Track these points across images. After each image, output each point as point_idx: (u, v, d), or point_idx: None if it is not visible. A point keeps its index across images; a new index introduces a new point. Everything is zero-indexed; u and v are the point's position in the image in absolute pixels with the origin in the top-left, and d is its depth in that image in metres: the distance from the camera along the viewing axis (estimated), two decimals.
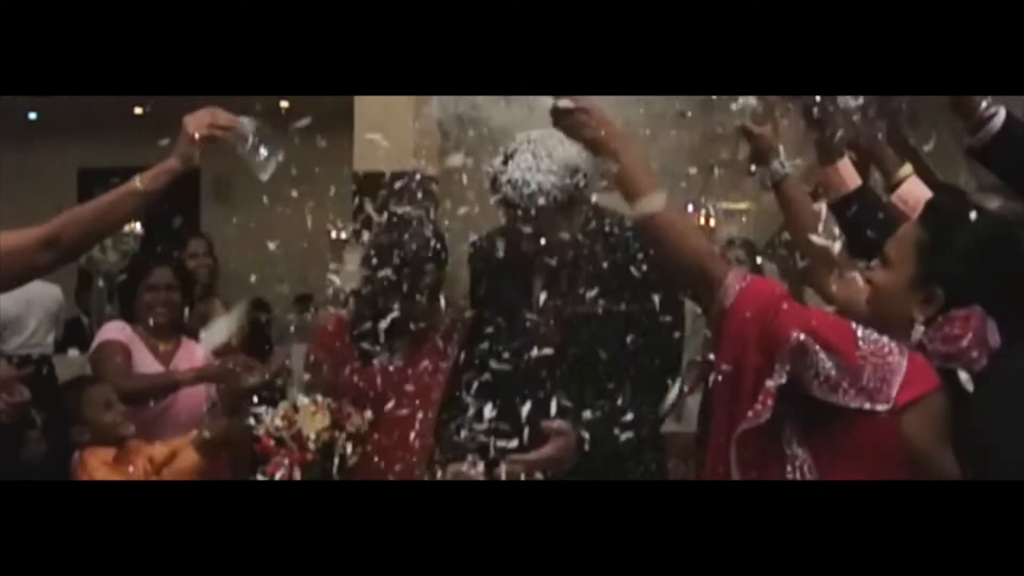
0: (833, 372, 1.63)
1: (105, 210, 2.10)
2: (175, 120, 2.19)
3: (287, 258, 2.93)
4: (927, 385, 1.65)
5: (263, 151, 2.17)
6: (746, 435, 1.69)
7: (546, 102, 1.90)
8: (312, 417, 2.40)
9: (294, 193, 2.86)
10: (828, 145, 2.12)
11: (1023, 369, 1.67)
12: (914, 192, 2.19)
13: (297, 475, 2.35)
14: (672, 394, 2.35)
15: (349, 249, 2.64)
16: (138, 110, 8.24)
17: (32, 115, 9.28)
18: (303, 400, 2.44)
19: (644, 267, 2.28)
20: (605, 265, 2.30)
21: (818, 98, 2.05)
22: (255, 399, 2.55)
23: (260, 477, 2.38)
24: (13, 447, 3.04)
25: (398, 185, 2.50)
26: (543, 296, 2.35)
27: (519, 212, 2.24)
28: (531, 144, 2.23)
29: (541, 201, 2.20)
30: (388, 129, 3.23)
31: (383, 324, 2.44)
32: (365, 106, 4.20)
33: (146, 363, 3.25)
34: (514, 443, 2.20)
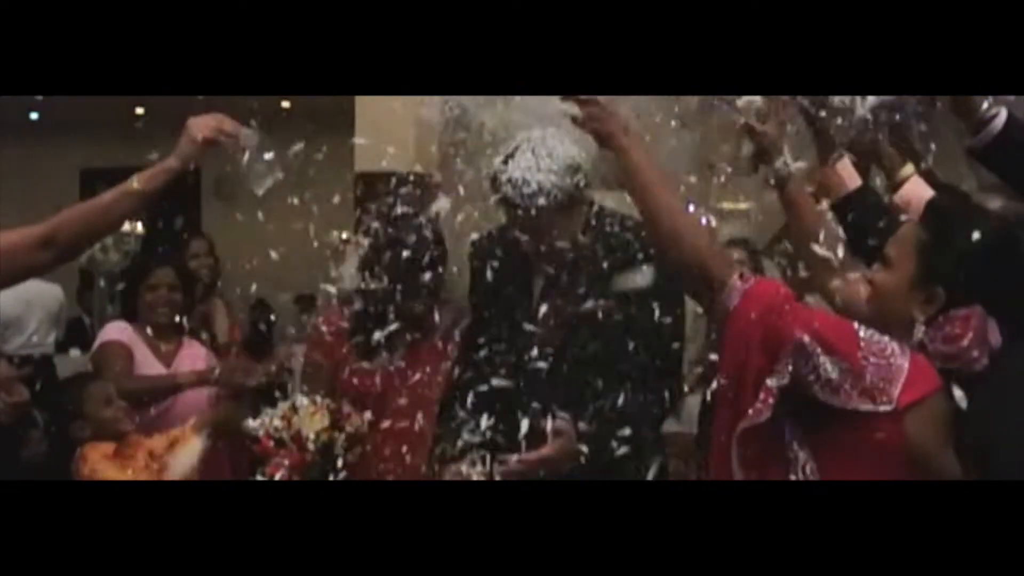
0: (835, 375, 1.63)
1: (102, 209, 2.10)
2: (176, 121, 2.19)
3: (288, 258, 2.93)
4: (929, 386, 1.65)
5: (262, 165, 2.17)
6: (748, 435, 1.69)
7: (545, 102, 1.90)
8: (311, 418, 2.40)
9: (295, 195, 2.87)
10: (828, 145, 2.12)
11: (1023, 369, 1.68)
12: (916, 192, 2.19)
13: (296, 476, 2.35)
14: (673, 394, 2.36)
15: (350, 250, 2.64)
16: (140, 110, 8.25)
17: (34, 115, 9.30)
18: (302, 401, 2.44)
19: (645, 267, 2.28)
20: (606, 265, 2.30)
21: (819, 98, 2.06)
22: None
23: (260, 478, 2.38)
24: (14, 447, 3.04)
25: (398, 186, 2.50)
26: (543, 296, 2.34)
27: (519, 212, 2.24)
28: (531, 143, 2.23)
29: (541, 201, 2.20)
30: (389, 130, 3.23)
31: (382, 324, 2.44)
32: (366, 106, 4.20)
33: (148, 363, 3.26)
34: (514, 443, 2.20)
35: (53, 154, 9.48)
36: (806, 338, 1.63)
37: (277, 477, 2.35)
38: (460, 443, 2.28)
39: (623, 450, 2.22)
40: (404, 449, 2.48)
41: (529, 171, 2.20)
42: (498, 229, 2.45)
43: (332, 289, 2.62)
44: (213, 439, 2.75)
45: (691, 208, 1.92)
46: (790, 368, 1.65)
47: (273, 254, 2.79)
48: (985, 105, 1.92)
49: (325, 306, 2.75)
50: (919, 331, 1.71)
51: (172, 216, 4.36)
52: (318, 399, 2.45)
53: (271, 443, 2.38)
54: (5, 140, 8.81)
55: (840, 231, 2.03)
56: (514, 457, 2.19)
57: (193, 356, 3.36)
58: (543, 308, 2.32)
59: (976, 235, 1.72)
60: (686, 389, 2.65)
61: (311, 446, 2.38)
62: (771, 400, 1.66)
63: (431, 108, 2.54)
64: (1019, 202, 2.02)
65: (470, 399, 2.33)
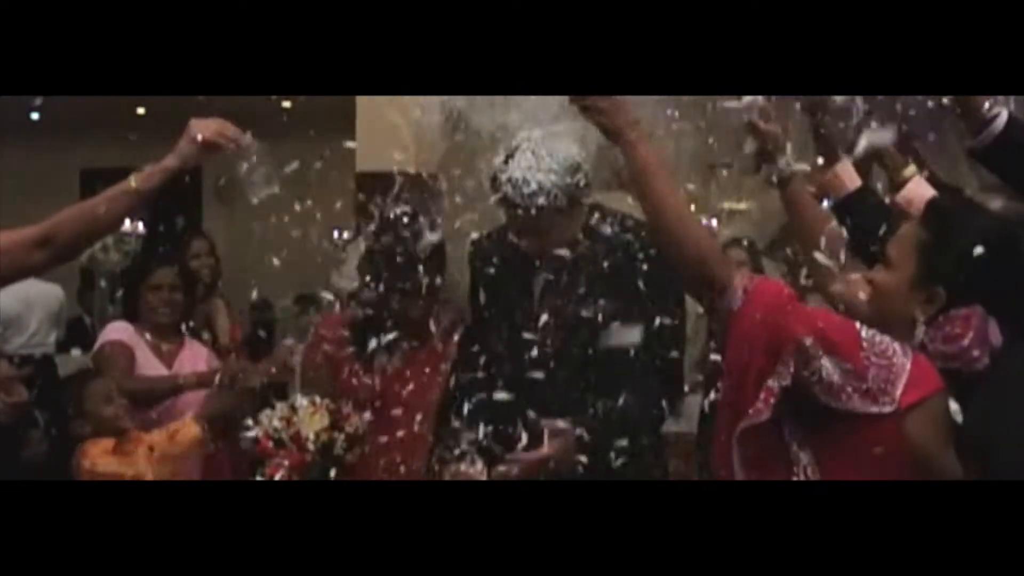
0: (836, 377, 1.62)
1: (100, 209, 2.10)
2: (177, 121, 2.19)
3: (288, 258, 2.93)
4: (931, 387, 1.65)
5: (260, 175, 2.17)
6: (749, 435, 1.69)
7: (545, 102, 1.89)
8: (311, 418, 2.40)
9: (295, 195, 2.87)
10: (829, 147, 2.12)
11: None
12: (918, 192, 2.19)
13: (296, 476, 2.35)
14: (673, 395, 2.35)
15: (350, 250, 2.64)
16: (141, 110, 8.25)
17: (34, 115, 9.29)
18: (302, 401, 2.44)
19: (646, 267, 2.28)
20: (606, 265, 2.30)
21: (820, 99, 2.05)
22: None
23: (259, 478, 2.38)
24: (15, 447, 3.04)
25: (399, 186, 2.50)
26: (543, 296, 2.34)
27: (519, 212, 2.24)
28: (532, 143, 2.22)
29: (542, 200, 2.20)
30: (389, 130, 3.23)
31: (381, 326, 2.44)
32: (367, 106, 4.20)
33: (149, 363, 3.26)
34: (513, 443, 2.20)
35: (54, 154, 9.47)
36: (808, 340, 1.63)
37: (277, 478, 2.35)
38: (459, 444, 2.28)
39: (623, 450, 2.21)
40: (403, 450, 2.48)
41: (529, 171, 2.20)
42: (498, 229, 2.44)
43: (331, 297, 2.62)
44: (214, 430, 2.75)
45: (691, 208, 1.92)
46: (791, 369, 1.65)
47: (276, 261, 2.80)
48: (986, 106, 1.92)
49: (325, 307, 2.75)
50: (920, 331, 1.70)
51: (173, 216, 4.37)
52: (317, 399, 2.45)
53: (271, 443, 2.38)
54: (6, 140, 8.81)
55: (844, 232, 2.03)
56: (513, 457, 2.19)
57: (194, 356, 3.36)
58: (543, 308, 2.32)
59: (977, 235, 1.72)
60: (686, 389, 2.65)
61: (311, 446, 2.37)
62: (772, 400, 1.66)
63: (432, 108, 2.54)
64: (1020, 202, 2.02)
65: (469, 400, 2.33)
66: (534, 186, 2.19)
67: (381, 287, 2.50)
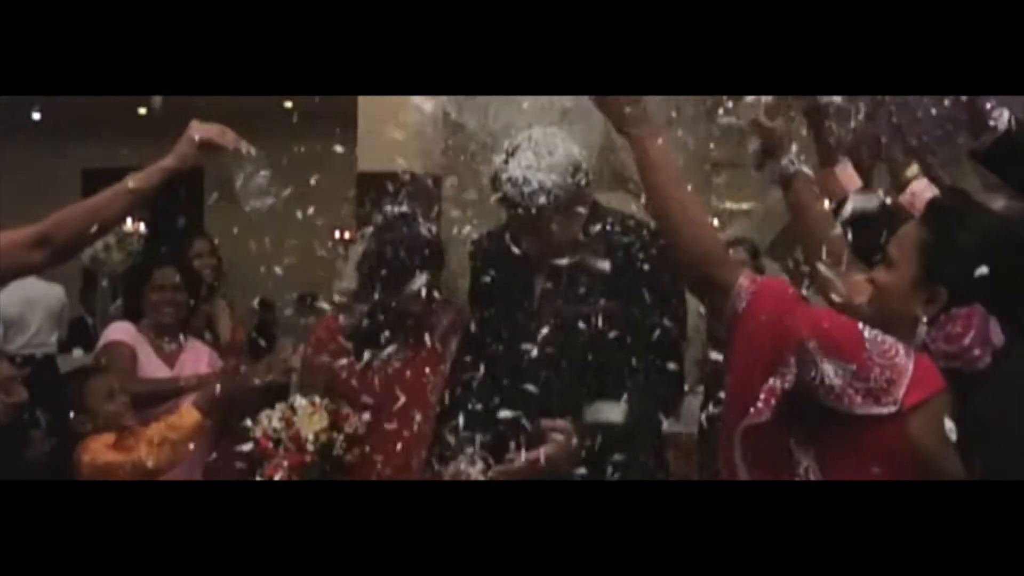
0: (837, 380, 1.62)
1: (97, 209, 2.11)
2: (179, 121, 2.19)
3: (290, 258, 2.93)
4: (933, 387, 1.65)
5: (254, 187, 2.17)
6: (752, 435, 1.69)
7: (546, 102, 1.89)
8: (310, 418, 2.40)
9: (297, 195, 2.87)
10: (830, 148, 2.12)
11: None
12: (922, 192, 2.19)
13: (296, 476, 2.35)
14: (674, 395, 2.35)
15: (351, 250, 2.64)
16: (142, 110, 8.25)
17: (36, 115, 9.30)
18: (301, 401, 2.44)
19: (646, 266, 2.27)
20: (607, 264, 2.29)
21: (822, 99, 2.05)
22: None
23: (259, 478, 2.38)
24: (15, 447, 3.04)
25: (399, 185, 2.50)
26: (543, 296, 2.34)
27: (520, 211, 2.23)
28: (533, 142, 2.22)
29: (542, 200, 2.20)
30: (391, 130, 3.23)
31: (381, 325, 2.44)
32: (369, 106, 4.20)
33: (151, 364, 3.26)
34: (513, 443, 2.20)
35: (55, 154, 9.48)
36: (811, 342, 1.63)
37: (276, 478, 2.35)
38: (459, 444, 2.28)
39: (623, 450, 2.21)
40: (403, 450, 2.48)
41: (530, 170, 2.19)
42: (498, 229, 2.44)
43: (327, 307, 2.62)
44: (212, 415, 2.74)
45: None
46: (794, 370, 1.64)
47: (278, 263, 2.80)
48: (988, 107, 1.92)
49: (328, 306, 2.75)
50: (922, 331, 1.70)
51: (175, 216, 4.36)
52: (316, 400, 2.45)
53: (270, 444, 2.38)
54: (7, 140, 8.82)
55: (850, 234, 2.02)
56: (513, 457, 2.19)
57: (196, 356, 3.36)
58: (543, 308, 2.32)
59: (978, 234, 1.72)
60: (686, 389, 2.64)
61: (310, 447, 2.37)
62: (773, 402, 1.66)
63: (433, 108, 2.54)
64: (1021, 202, 2.01)
65: (469, 400, 2.33)
66: (535, 185, 2.19)
67: (381, 287, 2.50)
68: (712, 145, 2.37)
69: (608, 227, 2.32)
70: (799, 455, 1.69)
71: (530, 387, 2.26)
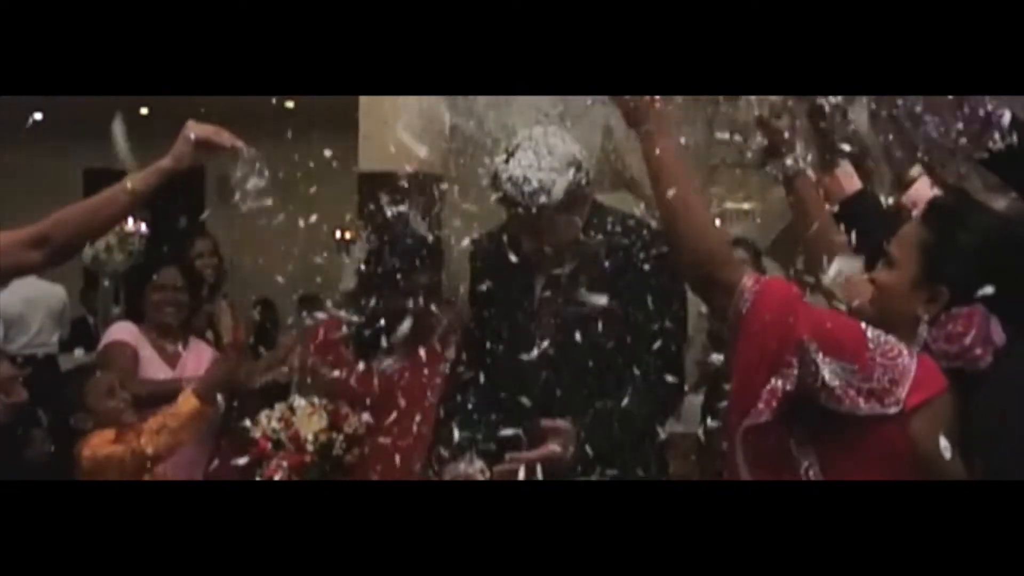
0: (837, 381, 1.62)
1: (96, 210, 2.11)
2: (181, 122, 2.19)
3: (292, 258, 2.94)
4: (936, 387, 1.65)
5: (252, 186, 2.17)
6: (752, 436, 1.69)
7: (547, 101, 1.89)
8: (309, 419, 2.40)
9: (298, 196, 2.87)
10: (831, 148, 2.11)
11: None
12: (924, 192, 2.18)
13: (295, 477, 2.36)
14: (674, 395, 2.35)
15: (352, 249, 2.65)
16: (144, 111, 8.25)
17: (37, 116, 9.29)
18: (300, 402, 2.44)
19: (647, 266, 2.27)
20: (607, 264, 2.29)
21: (823, 100, 2.05)
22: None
23: (259, 478, 2.38)
24: (17, 447, 3.04)
25: (400, 185, 2.50)
26: (544, 296, 2.34)
27: (520, 210, 2.23)
28: (533, 141, 2.22)
29: (543, 199, 2.19)
30: (392, 130, 3.23)
31: (381, 326, 2.44)
32: (370, 106, 4.21)
33: (153, 364, 3.26)
34: (513, 443, 2.20)
35: (56, 154, 9.48)
36: (813, 343, 1.63)
37: (276, 479, 2.35)
38: (459, 444, 2.28)
39: (623, 450, 2.21)
40: (403, 450, 2.48)
41: (530, 169, 2.19)
42: (499, 228, 2.44)
43: (331, 303, 2.62)
44: (211, 400, 2.74)
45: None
46: (796, 371, 1.64)
47: (279, 278, 2.80)
48: (990, 107, 1.91)
49: (330, 306, 2.75)
50: (923, 330, 1.70)
51: (176, 216, 4.36)
52: (316, 400, 2.45)
53: (269, 445, 2.38)
54: (8, 140, 8.81)
55: (853, 236, 2.02)
56: (514, 457, 2.19)
57: (198, 356, 3.36)
58: (543, 308, 2.32)
59: (979, 233, 1.71)
60: (687, 389, 2.64)
61: (309, 447, 2.38)
62: (774, 403, 1.65)
63: (434, 108, 2.54)
64: (1022, 202, 2.01)
65: (470, 400, 2.33)
66: (535, 185, 2.19)
67: (381, 288, 2.50)
68: (713, 145, 2.36)
69: (608, 227, 2.31)
70: (800, 456, 1.68)
71: (530, 387, 2.26)
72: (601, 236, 2.31)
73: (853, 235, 2.03)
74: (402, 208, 2.50)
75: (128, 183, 2.11)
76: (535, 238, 2.29)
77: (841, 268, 1.88)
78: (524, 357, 2.27)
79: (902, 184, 2.26)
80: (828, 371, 1.62)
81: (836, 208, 2.12)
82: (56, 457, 2.96)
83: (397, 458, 2.48)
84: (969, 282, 1.68)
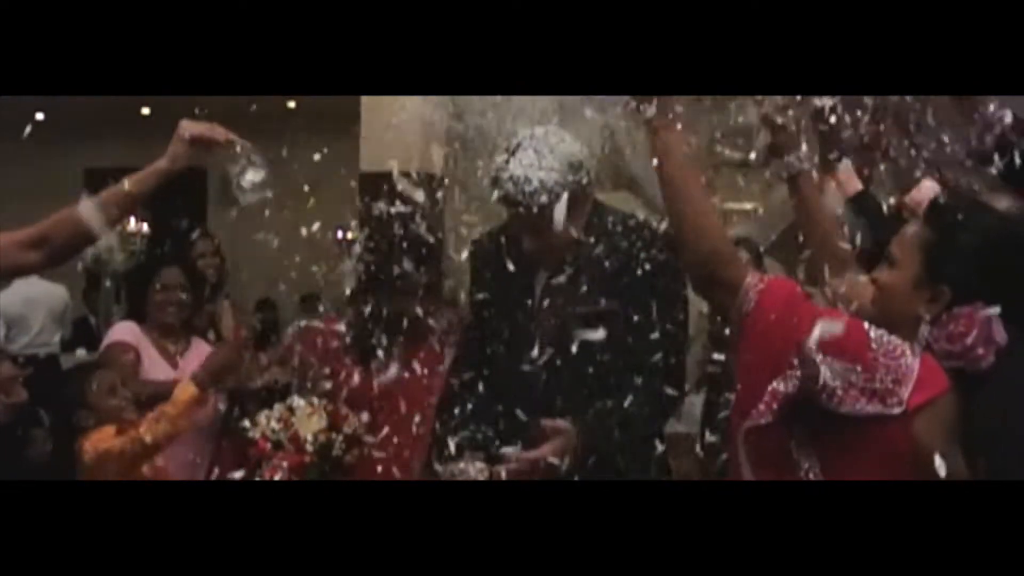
0: (837, 382, 1.62)
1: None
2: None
3: (292, 259, 2.94)
4: (938, 387, 1.64)
5: (249, 179, 2.17)
6: (753, 436, 1.69)
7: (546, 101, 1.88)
8: (308, 419, 2.40)
9: (299, 195, 2.87)
10: (832, 149, 2.11)
11: None
12: (927, 193, 2.19)
13: (295, 477, 2.35)
14: (675, 395, 2.35)
15: (353, 250, 2.65)
16: (145, 110, 8.26)
17: (39, 115, 9.30)
18: (299, 402, 2.44)
19: (648, 266, 2.27)
20: (608, 264, 2.29)
21: (824, 101, 2.05)
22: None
23: (258, 479, 2.38)
24: (17, 447, 3.05)
25: (400, 185, 2.50)
26: (544, 296, 2.34)
27: (520, 210, 2.23)
28: (533, 141, 2.21)
29: (543, 198, 2.19)
30: (394, 129, 3.23)
31: (381, 326, 2.44)
32: (371, 106, 4.21)
33: (155, 364, 3.26)
34: (513, 442, 2.20)
35: (57, 154, 9.48)
36: (813, 346, 1.62)
37: (276, 479, 2.35)
38: (459, 444, 2.27)
39: (624, 450, 2.21)
40: (402, 451, 2.48)
41: (530, 169, 2.19)
42: (499, 228, 2.44)
43: (331, 303, 2.62)
44: (210, 389, 2.74)
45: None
46: (798, 372, 1.64)
47: (282, 284, 2.80)
48: (990, 108, 1.91)
49: (331, 306, 2.75)
50: (924, 330, 1.70)
51: (178, 216, 4.37)
52: (315, 400, 2.45)
53: (268, 445, 2.38)
54: (9, 140, 8.82)
55: (860, 236, 2.02)
56: (513, 456, 2.19)
57: (200, 357, 3.35)
58: (544, 308, 2.31)
59: (980, 233, 1.71)
60: (687, 389, 2.64)
61: (309, 447, 2.38)
62: (775, 404, 1.65)
63: (435, 108, 2.54)
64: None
65: (469, 400, 2.32)
66: (535, 184, 2.18)
67: (381, 288, 2.50)
68: (715, 145, 2.36)
69: (609, 226, 2.31)
70: (800, 457, 1.68)
71: (530, 387, 2.26)
72: (602, 236, 2.30)
73: (854, 236, 2.03)
74: (403, 208, 2.50)
75: (126, 185, 2.11)
76: (535, 238, 2.29)
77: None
78: (524, 357, 2.27)
79: (902, 184, 2.27)
80: (830, 372, 1.62)
81: (839, 209, 2.12)
82: (56, 457, 2.95)
83: (397, 458, 2.48)
84: (970, 282, 1.68)
